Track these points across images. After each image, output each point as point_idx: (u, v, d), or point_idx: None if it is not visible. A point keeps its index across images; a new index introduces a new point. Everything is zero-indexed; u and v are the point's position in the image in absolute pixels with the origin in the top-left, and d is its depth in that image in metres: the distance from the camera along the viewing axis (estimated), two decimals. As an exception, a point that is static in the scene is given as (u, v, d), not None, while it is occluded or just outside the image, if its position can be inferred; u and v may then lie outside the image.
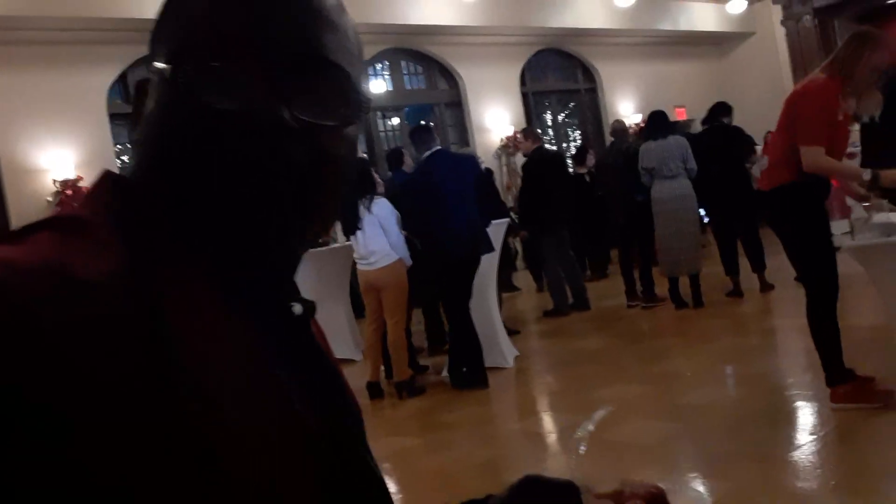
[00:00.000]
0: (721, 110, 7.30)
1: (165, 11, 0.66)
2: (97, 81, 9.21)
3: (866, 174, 3.67)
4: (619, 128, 8.08)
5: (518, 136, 7.91)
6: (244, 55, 0.59)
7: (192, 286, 0.58)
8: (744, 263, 7.26)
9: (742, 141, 7.17)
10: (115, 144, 9.49)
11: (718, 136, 7.16)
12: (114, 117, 9.43)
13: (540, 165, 7.57)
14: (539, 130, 9.74)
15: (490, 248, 5.66)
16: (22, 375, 0.46)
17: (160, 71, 0.62)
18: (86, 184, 8.56)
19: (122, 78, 9.61)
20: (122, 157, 9.61)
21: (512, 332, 6.63)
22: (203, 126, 0.59)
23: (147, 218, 0.60)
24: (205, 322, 0.57)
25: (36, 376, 0.46)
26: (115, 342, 0.50)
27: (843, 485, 3.20)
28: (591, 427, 0.99)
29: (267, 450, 0.56)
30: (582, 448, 0.94)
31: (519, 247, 9.95)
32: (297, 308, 0.67)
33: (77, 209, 0.61)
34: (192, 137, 0.59)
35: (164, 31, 0.65)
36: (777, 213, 3.88)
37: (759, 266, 7.15)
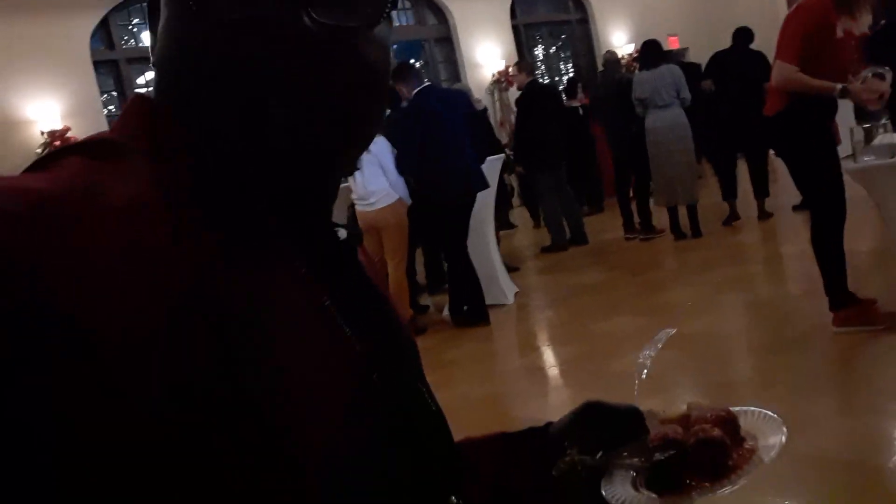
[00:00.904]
0: (746, 35, 7.18)
1: None
2: (79, 28, 9.00)
3: (836, 89, 3.61)
4: (611, 59, 7.94)
5: (511, 69, 7.76)
6: None
7: (230, 216, 0.55)
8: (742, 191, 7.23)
9: (762, 64, 7.07)
10: (101, 93, 9.32)
11: (741, 57, 7.03)
12: (98, 65, 9.24)
13: (535, 99, 7.45)
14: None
15: (485, 185, 5.59)
16: (50, 291, 0.44)
17: None
18: (74, 134, 8.43)
19: (105, 23, 9.39)
20: (110, 106, 9.46)
21: (511, 269, 6.62)
22: (217, 39, 0.54)
23: (177, 144, 0.56)
24: (245, 248, 0.54)
25: (64, 292, 0.44)
26: (145, 266, 0.48)
27: (846, 406, 3.22)
28: (652, 352, 0.97)
29: (319, 385, 0.54)
30: (644, 374, 0.92)
31: (515, 183, 9.87)
32: (343, 233, 0.64)
33: (108, 133, 0.58)
34: (207, 53, 0.54)
35: None
36: (780, 138, 3.84)
37: (762, 192, 7.11)
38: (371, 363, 0.58)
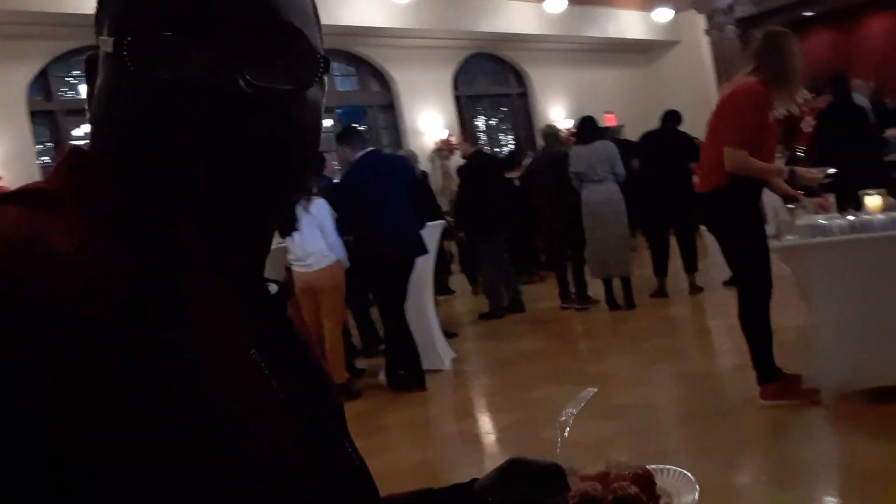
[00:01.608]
0: (674, 116, 7.52)
1: None
2: (16, 78, 8.86)
3: (784, 173, 3.80)
4: (551, 132, 8.16)
5: (457, 138, 7.93)
6: (191, 22, 0.56)
7: (164, 264, 0.55)
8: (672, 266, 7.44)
9: (688, 145, 7.38)
10: (37, 144, 9.14)
11: (667, 137, 7.34)
12: (34, 115, 9.08)
13: (478, 168, 7.61)
14: (473, 134, 9.78)
15: (424, 250, 5.64)
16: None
17: (105, 45, 0.58)
18: (5, 183, 8.21)
19: (43, 74, 9.26)
20: (44, 157, 9.27)
21: (449, 335, 6.63)
22: (153, 100, 0.55)
23: (110, 196, 0.56)
24: (182, 299, 0.54)
25: (10, 346, 0.45)
26: (91, 315, 0.48)
27: (777, 479, 3.29)
28: (574, 410, 0.99)
29: (250, 432, 0.53)
30: (567, 432, 0.94)
31: (454, 250, 9.96)
32: (273, 287, 0.65)
33: (43, 183, 0.58)
34: (144, 113, 0.56)
35: (107, 4, 0.61)
36: (714, 215, 3.99)
37: (692, 267, 7.33)
38: (294, 414, 0.59)
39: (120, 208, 0.56)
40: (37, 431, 0.45)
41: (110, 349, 0.48)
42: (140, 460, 0.47)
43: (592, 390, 0.97)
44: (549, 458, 0.86)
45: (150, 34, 0.55)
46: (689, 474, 0.85)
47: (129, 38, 0.55)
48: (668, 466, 0.87)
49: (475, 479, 0.84)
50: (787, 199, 4.19)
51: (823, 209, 3.81)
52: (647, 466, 0.83)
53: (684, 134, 7.48)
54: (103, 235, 0.53)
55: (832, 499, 3.13)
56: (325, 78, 0.64)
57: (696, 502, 0.79)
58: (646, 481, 0.79)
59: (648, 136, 7.66)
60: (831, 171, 3.84)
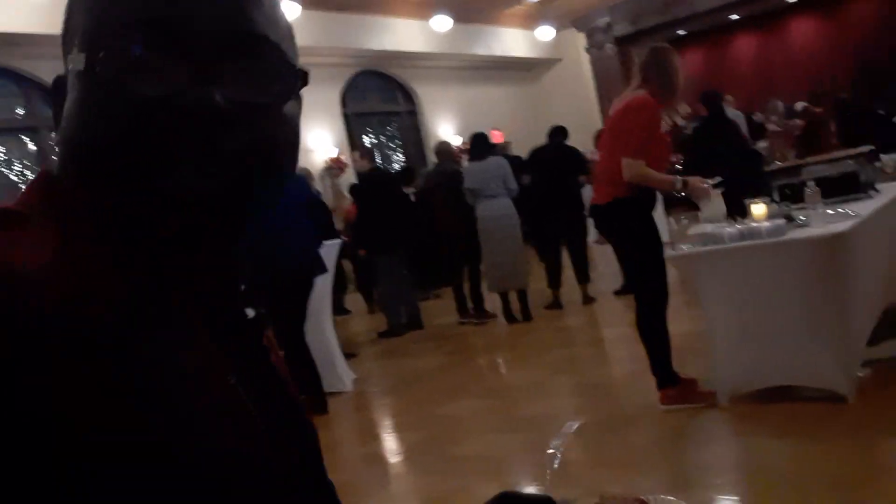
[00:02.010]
0: (560, 132, 7.69)
1: (71, 4, 0.60)
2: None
3: (678, 182, 3.94)
4: (444, 149, 8.21)
5: (348, 157, 7.88)
6: (164, 37, 0.54)
7: (134, 284, 0.54)
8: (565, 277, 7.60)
9: (576, 159, 7.55)
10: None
11: (555, 153, 7.49)
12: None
13: (376, 185, 7.56)
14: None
15: (324, 270, 5.54)
16: None
17: (76, 62, 0.56)
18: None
19: None
20: None
21: (348, 356, 6.53)
22: (126, 116, 0.53)
23: (81, 215, 0.56)
24: (149, 320, 0.53)
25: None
26: (57, 335, 0.47)
27: (679, 483, 3.38)
28: (561, 442, 0.96)
29: (225, 460, 0.53)
30: (556, 464, 0.91)
31: (349, 268, 9.85)
32: (251, 312, 0.64)
33: (11, 204, 0.58)
34: (116, 129, 0.54)
35: (74, 21, 0.59)
36: (612, 225, 4.08)
37: (583, 279, 7.50)
38: (275, 444, 0.58)
39: (88, 224, 0.55)
40: (18, 441, 0.45)
41: (79, 366, 0.47)
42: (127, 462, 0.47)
43: (576, 423, 0.96)
44: (468, 482, 0.85)
45: (122, 49, 0.54)
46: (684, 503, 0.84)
47: (101, 54, 0.54)
48: (663, 496, 0.86)
49: None
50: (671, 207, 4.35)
51: (706, 193, 3.93)
52: (642, 497, 0.81)
53: (571, 148, 7.67)
54: (70, 252, 0.53)
55: (734, 498, 3.24)
56: (302, 93, 0.64)
57: None
58: None
59: (537, 152, 7.80)
60: (719, 179, 4.01)
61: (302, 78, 0.61)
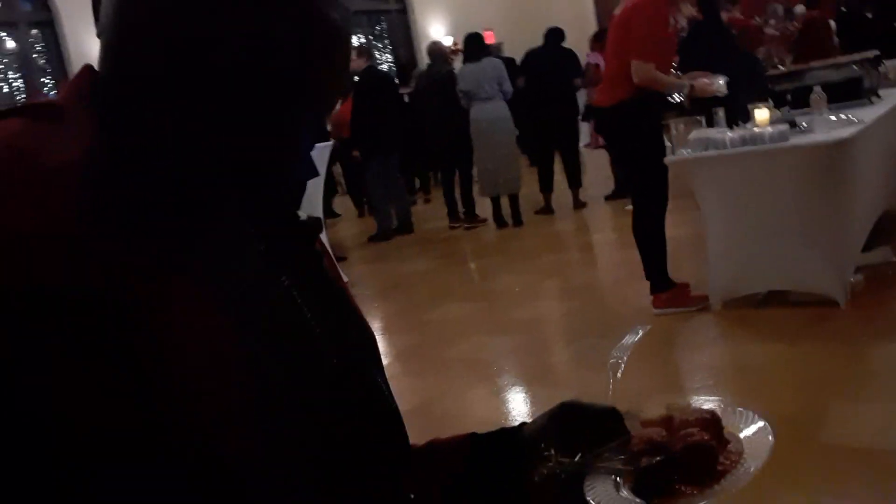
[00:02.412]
0: (557, 34, 7.45)
1: None
2: None
3: (686, 86, 3.89)
4: (436, 49, 7.99)
5: (353, 53, 7.60)
6: None
7: (178, 186, 0.51)
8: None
9: (572, 63, 7.37)
10: None
11: (551, 55, 7.30)
12: None
13: (372, 84, 7.37)
14: (353, 51, 9.45)
15: (315, 173, 5.45)
16: None
17: None
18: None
19: None
20: None
21: (338, 259, 6.51)
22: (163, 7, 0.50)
23: (119, 111, 0.53)
24: (189, 225, 0.51)
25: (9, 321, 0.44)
26: (70, 231, 0.46)
27: (670, 385, 3.42)
28: (626, 353, 0.93)
29: (273, 362, 0.51)
30: (619, 373, 0.89)
31: (340, 171, 9.73)
32: (304, 215, 0.62)
33: (54, 98, 0.57)
34: (153, 15, 0.51)
35: None
36: (617, 128, 4.02)
37: (576, 183, 7.45)
38: (330, 348, 0.57)
39: (128, 120, 0.52)
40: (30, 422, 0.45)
41: (94, 313, 0.46)
42: (136, 457, 0.47)
43: (642, 329, 0.90)
44: (599, 400, 0.80)
45: None
46: (753, 413, 0.78)
47: None
48: (732, 406, 0.81)
49: (523, 424, 0.78)
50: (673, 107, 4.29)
51: (710, 89, 3.87)
52: (712, 408, 0.77)
53: (567, 51, 7.49)
54: (103, 149, 0.51)
55: (721, 398, 3.28)
56: None
57: (771, 446, 0.73)
58: (713, 425, 0.73)
59: (532, 54, 7.62)
60: (725, 79, 3.93)
61: None
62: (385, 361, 2.95)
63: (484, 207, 7.48)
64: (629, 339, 0.86)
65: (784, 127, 3.64)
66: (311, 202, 5.59)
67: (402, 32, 14.65)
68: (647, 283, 4.15)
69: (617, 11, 4.08)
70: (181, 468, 0.48)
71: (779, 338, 3.55)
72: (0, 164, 0.47)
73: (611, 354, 0.85)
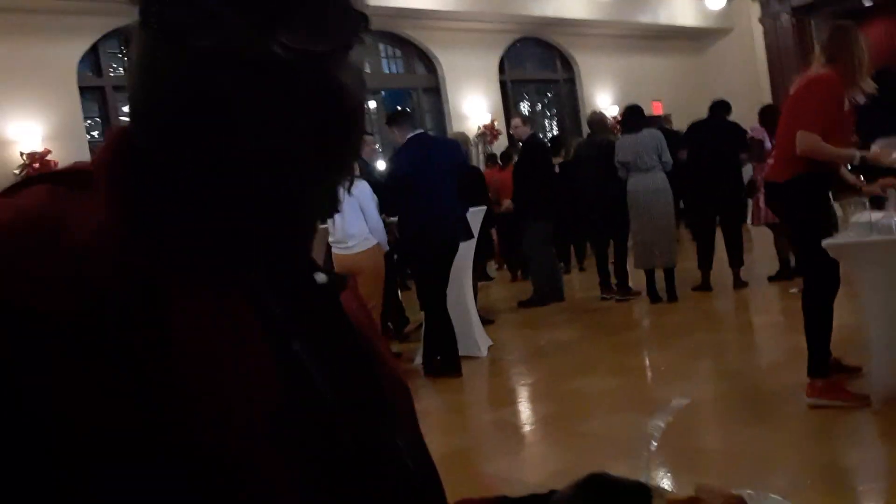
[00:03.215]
0: (722, 107, 7.34)
1: None
2: (67, 53, 8.97)
3: (856, 157, 3.83)
4: (597, 119, 8.04)
5: (515, 121, 7.88)
6: None
7: (198, 254, 0.53)
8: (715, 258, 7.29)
9: (737, 136, 7.20)
10: (86, 118, 9.27)
11: (714, 128, 7.17)
12: (84, 90, 9.20)
13: (534, 152, 7.53)
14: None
15: (469, 236, 5.60)
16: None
17: (135, 17, 0.55)
18: (54, 157, 8.35)
19: (94, 50, 9.37)
20: (93, 132, 9.39)
21: (486, 322, 6.59)
22: (187, 70, 0.52)
23: (146, 177, 0.54)
24: (208, 293, 0.52)
25: (11, 328, 0.46)
26: (97, 304, 0.48)
27: (818, 485, 3.19)
28: (663, 422, 0.93)
29: (273, 431, 0.52)
30: (654, 444, 0.89)
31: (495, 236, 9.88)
32: (321, 277, 0.62)
33: (87, 163, 0.58)
34: (177, 83, 0.53)
35: None
36: (793, 203, 3.94)
37: (737, 262, 7.17)
38: (339, 412, 0.57)
39: (152, 185, 0.54)
40: (33, 426, 0.45)
41: (112, 345, 0.47)
42: (137, 459, 0.47)
43: (685, 400, 0.90)
44: (595, 462, 0.82)
45: (178, 1, 0.52)
46: (783, 500, 0.78)
47: (155, 6, 0.53)
48: (763, 493, 0.81)
49: (553, 491, 0.79)
50: (839, 192, 4.16)
51: (886, 159, 3.77)
52: (740, 492, 0.77)
53: (734, 124, 7.31)
54: (128, 217, 0.52)
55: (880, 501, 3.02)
56: (367, 38, 0.60)
57: None
58: None
59: (696, 126, 7.49)
60: None
61: (365, 22, 0.58)
62: (521, 428, 2.97)
63: (638, 280, 7.34)
64: (669, 409, 0.85)
65: (959, 215, 3.38)
66: (462, 263, 5.72)
67: (569, 101, 14.81)
68: (805, 375, 3.94)
69: (792, 89, 4.04)
70: (181, 468, 0.48)
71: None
72: (24, 239, 0.48)
73: (648, 426, 0.85)
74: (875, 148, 3.83)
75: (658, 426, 0.85)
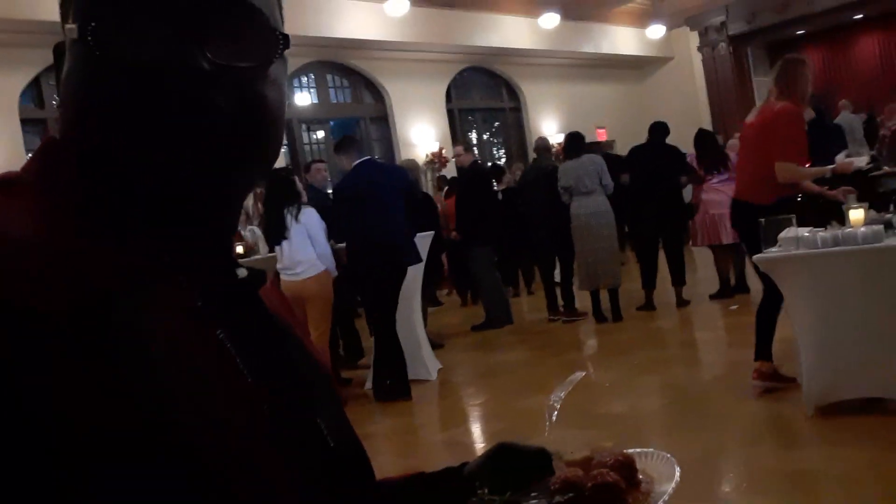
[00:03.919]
0: (661, 130, 7.53)
1: None
2: (9, 85, 8.87)
3: (827, 171, 4.46)
4: (543, 145, 8.20)
5: (457, 148, 8.03)
6: (151, 5, 0.57)
7: (128, 250, 0.56)
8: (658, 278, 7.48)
9: (676, 159, 7.41)
10: (28, 151, 9.15)
11: (654, 151, 7.37)
12: (25, 122, 9.10)
13: (476, 179, 7.67)
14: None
15: (418, 259, 5.66)
16: None
17: (71, 32, 0.59)
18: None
19: (36, 82, 9.29)
20: (35, 164, 9.26)
21: (436, 346, 6.64)
22: (117, 81, 0.57)
23: (82, 181, 0.58)
24: (141, 285, 0.55)
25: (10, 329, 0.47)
26: (35, 298, 0.49)
27: (757, 488, 3.31)
28: (563, 394, 1.00)
29: (210, 413, 0.54)
30: (554, 416, 0.96)
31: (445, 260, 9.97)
32: (242, 271, 0.65)
33: (14, 172, 0.59)
34: (108, 95, 0.57)
35: None
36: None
37: (679, 281, 7.36)
38: (263, 396, 0.59)
39: (78, 188, 0.57)
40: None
41: (58, 342, 0.48)
42: (113, 459, 0.48)
43: (581, 374, 0.99)
44: (537, 441, 0.87)
45: (112, 17, 0.57)
46: (670, 457, 0.86)
47: (92, 24, 0.57)
48: (650, 450, 0.88)
49: (465, 463, 0.86)
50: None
51: (849, 193, 4.13)
52: (629, 451, 0.84)
53: (673, 147, 7.51)
54: (61, 219, 0.54)
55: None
56: (286, 56, 0.65)
57: (677, 484, 0.80)
58: (627, 467, 0.79)
59: (636, 150, 7.70)
60: (863, 160, 4.32)
61: (284, 42, 0.63)
62: (472, 448, 3.04)
63: (585, 301, 7.48)
64: (568, 383, 0.94)
65: (879, 227, 3.57)
66: (410, 287, 5.78)
67: (515, 129, 15.05)
68: (747, 383, 4.29)
69: (750, 118, 4.53)
70: (181, 468, 0.50)
71: (870, 446, 3.39)
72: None
73: (549, 398, 0.93)
74: (838, 160, 4.40)
75: (559, 397, 0.93)
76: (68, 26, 0.60)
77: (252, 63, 0.60)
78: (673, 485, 0.80)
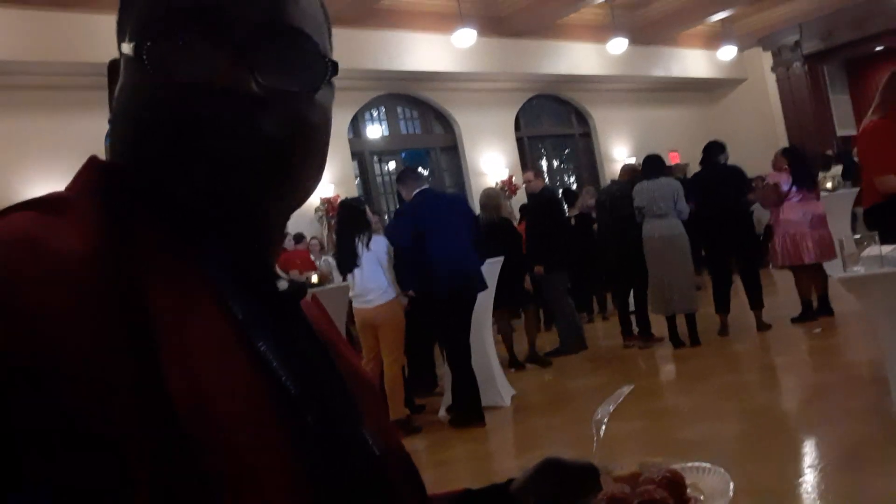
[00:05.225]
0: (715, 149, 7.33)
1: None
2: (95, 127, 9.25)
3: None
4: (628, 170, 8.10)
5: (529, 175, 8.06)
6: (206, 27, 0.59)
7: (171, 263, 0.58)
8: (739, 302, 7.28)
9: (738, 178, 7.21)
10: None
11: (714, 174, 7.22)
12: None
13: (547, 204, 7.66)
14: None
15: (484, 286, 5.67)
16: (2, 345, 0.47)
17: (127, 50, 0.62)
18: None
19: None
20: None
21: (545, 363, 6.62)
22: (170, 101, 0.59)
23: (125, 196, 0.60)
24: (183, 297, 0.56)
25: (14, 346, 0.47)
26: (89, 315, 0.50)
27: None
28: (610, 407, 0.98)
29: (248, 426, 0.54)
30: (602, 431, 0.94)
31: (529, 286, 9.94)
32: (283, 284, 0.66)
33: (61, 191, 0.61)
34: (160, 114, 0.59)
35: (127, 13, 0.65)
36: (883, 224, 4.35)
37: (757, 304, 7.15)
38: (307, 407, 0.60)
39: (130, 205, 0.59)
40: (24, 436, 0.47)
41: (98, 348, 0.50)
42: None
43: (629, 387, 0.98)
44: (585, 457, 0.87)
45: (167, 38, 0.59)
46: (723, 471, 0.85)
47: (148, 43, 0.60)
48: (703, 464, 0.87)
49: (511, 479, 0.86)
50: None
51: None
52: (678, 466, 0.82)
53: (733, 167, 7.26)
54: (102, 236, 0.55)
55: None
56: (334, 82, 0.67)
57: (730, 501, 0.79)
58: (675, 484, 0.78)
59: (697, 176, 7.52)
60: None
61: (333, 68, 0.65)
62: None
63: (660, 326, 7.34)
64: (615, 397, 0.92)
65: (968, 243, 3.42)
66: (480, 314, 5.78)
67: (586, 155, 14.98)
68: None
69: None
70: (215, 482, 0.50)
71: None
72: (6, 256, 0.50)
73: (595, 412, 0.91)
74: None
75: (607, 411, 0.92)
76: (124, 45, 0.63)
77: (300, 88, 0.62)
78: (725, 501, 0.78)
